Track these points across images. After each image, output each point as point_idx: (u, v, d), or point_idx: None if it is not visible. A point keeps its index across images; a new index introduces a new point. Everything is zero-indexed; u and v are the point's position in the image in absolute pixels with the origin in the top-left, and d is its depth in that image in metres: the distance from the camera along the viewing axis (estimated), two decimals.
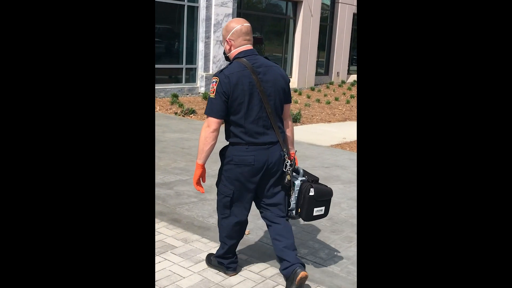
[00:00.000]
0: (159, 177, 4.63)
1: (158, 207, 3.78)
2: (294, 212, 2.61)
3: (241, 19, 2.56)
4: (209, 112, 2.43)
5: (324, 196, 2.61)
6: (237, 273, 2.78)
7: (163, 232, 3.32)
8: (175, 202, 3.95)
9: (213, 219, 3.61)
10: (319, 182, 2.67)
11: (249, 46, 2.51)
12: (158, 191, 4.20)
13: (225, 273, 2.76)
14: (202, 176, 2.55)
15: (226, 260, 2.74)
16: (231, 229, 2.64)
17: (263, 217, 2.68)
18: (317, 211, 2.60)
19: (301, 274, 2.44)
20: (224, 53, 2.62)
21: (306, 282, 2.63)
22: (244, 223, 2.67)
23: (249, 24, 2.54)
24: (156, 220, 3.52)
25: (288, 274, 2.50)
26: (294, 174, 2.62)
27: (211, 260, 2.84)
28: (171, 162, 5.21)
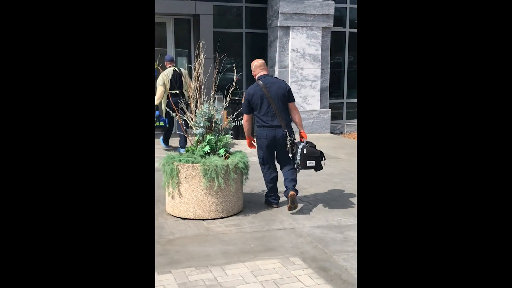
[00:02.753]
0: (336, 218, 4.38)
1: (315, 252, 3.55)
2: (297, 164, 4.39)
3: (258, 59, 4.72)
4: (243, 111, 4.60)
5: (314, 154, 4.35)
6: (278, 206, 4.64)
7: (303, 280, 3.09)
8: (335, 249, 3.64)
9: None
10: (313, 146, 4.44)
11: (263, 72, 4.58)
12: (327, 233, 3.96)
13: (270, 205, 4.67)
14: (251, 139, 4.72)
15: (271, 197, 4.68)
16: (269, 178, 4.62)
17: (281, 169, 4.62)
18: (309, 163, 4.33)
19: (291, 192, 4.41)
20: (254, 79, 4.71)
21: None
22: (275, 175, 4.62)
23: (262, 60, 4.65)
24: (304, 266, 3.32)
25: (286, 194, 4.48)
26: (302, 143, 4.40)
27: (265, 200, 4.76)
28: None
